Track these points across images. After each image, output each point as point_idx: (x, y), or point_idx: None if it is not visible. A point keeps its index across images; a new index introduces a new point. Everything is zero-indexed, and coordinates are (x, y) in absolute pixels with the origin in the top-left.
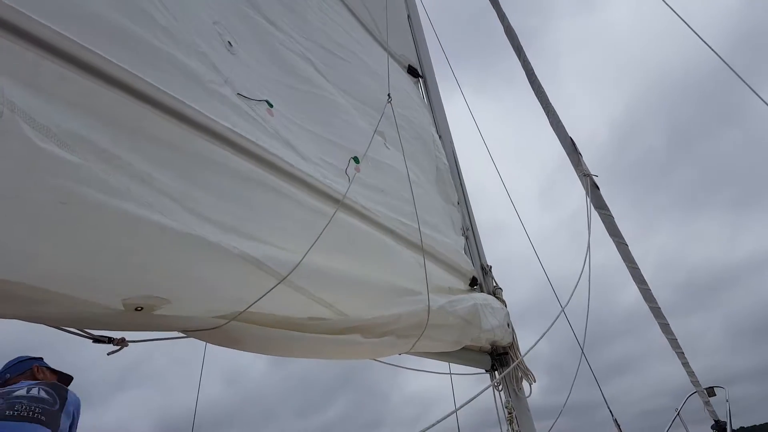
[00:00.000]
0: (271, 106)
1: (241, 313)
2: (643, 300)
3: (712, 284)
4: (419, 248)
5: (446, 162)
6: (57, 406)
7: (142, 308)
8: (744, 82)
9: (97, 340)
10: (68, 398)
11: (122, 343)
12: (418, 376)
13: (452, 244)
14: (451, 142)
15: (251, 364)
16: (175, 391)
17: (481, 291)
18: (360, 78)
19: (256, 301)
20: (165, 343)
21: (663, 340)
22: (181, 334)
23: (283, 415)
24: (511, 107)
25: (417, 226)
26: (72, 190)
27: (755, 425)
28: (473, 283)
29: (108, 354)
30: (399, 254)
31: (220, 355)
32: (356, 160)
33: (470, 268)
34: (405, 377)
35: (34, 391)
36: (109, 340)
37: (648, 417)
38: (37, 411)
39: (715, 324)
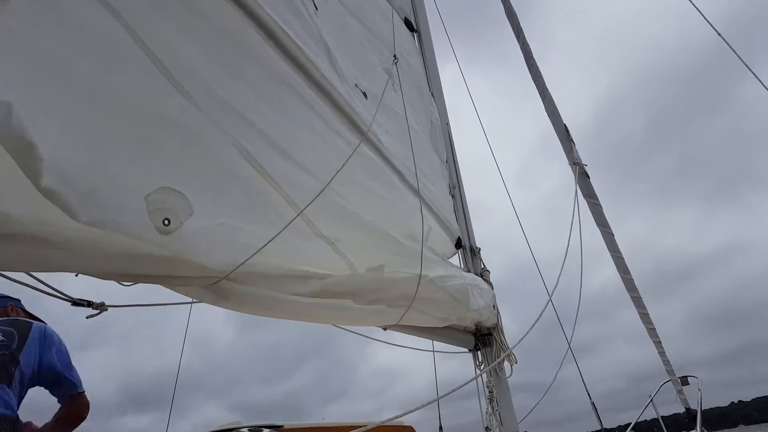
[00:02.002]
0: (317, 8)
1: (254, 254)
2: (614, 288)
3: (673, 274)
4: (417, 194)
5: (438, 117)
6: (14, 345)
7: (168, 221)
8: (740, 58)
9: (76, 303)
10: (31, 333)
11: (102, 307)
12: (386, 351)
13: (444, 200)
14: (443, 99)
15: (218, 334)
16: (135, 355)
17: (465, 263)
18: (369, 9)
19: (276, 236)
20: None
21: (627, 327)
22: (162, 302)
23: (250, 381)
24: (500, 89)
25: (414, 171)
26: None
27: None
28: (458, 244)
29: (87, 317)
30: (404, 197)
31: (193, 323)
32: (365, 95)
33: (456, 227)
34: (374, 351)
35: None
36: (89, 304)
37: (608, 398)
38: None
39: (675, 314)
